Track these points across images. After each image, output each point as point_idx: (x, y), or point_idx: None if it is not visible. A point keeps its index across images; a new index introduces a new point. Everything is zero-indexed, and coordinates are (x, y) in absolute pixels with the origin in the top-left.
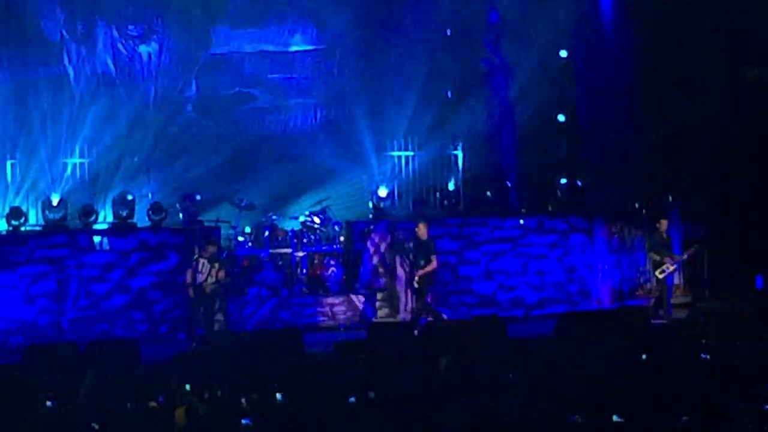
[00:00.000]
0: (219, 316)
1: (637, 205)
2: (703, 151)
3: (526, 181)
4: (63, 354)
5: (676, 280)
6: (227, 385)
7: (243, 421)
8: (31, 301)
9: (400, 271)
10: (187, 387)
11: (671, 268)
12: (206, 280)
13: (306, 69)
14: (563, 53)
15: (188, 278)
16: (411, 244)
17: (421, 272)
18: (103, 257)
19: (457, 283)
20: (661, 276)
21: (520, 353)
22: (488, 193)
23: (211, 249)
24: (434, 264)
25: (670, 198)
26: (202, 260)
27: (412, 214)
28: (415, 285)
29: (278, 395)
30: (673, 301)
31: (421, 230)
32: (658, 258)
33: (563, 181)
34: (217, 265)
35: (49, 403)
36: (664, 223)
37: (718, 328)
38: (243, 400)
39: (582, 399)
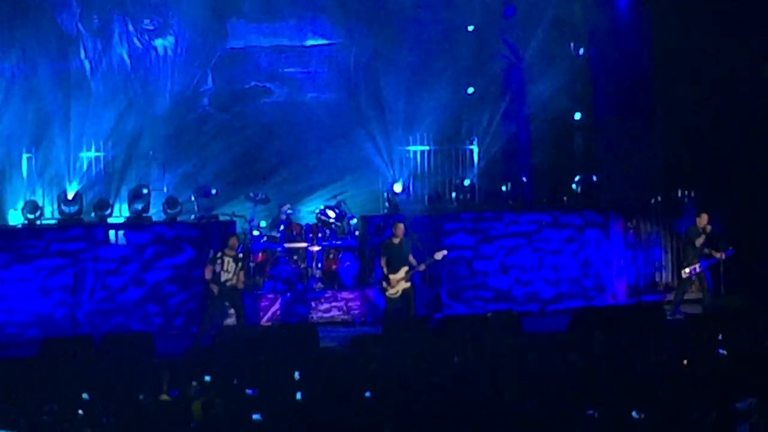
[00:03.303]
0: (232, 310)
1: (653, 200)
2: (720, 146)
3: (542, 176)
4: (78, 347)
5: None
6: (242, 379)
7: (253, 417)
8: (46, 294)
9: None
10: (207, 378)
11: (697, 269)
12: (232, 278)
13: (322, 63)
14: (580, 49)
15: (208, 275)
16: (383, 246)
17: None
18: (119, 251)
19: (473, 278)
20: (684, 275)
21: (535, 348)
22: (504, 188)
23: (233, 243)
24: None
25: (687, 193)
26: (227, 258)
27: (427, 209)
28: (399, 287)
29: (294, 389)
30: (687, 297)
31: (399, 231)
32: (708, 251)
33: (578, 176)
34: (240, 264)
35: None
36: (704, 218)
37: (734, 325)
38: (258, 395)
39: (597, 394)
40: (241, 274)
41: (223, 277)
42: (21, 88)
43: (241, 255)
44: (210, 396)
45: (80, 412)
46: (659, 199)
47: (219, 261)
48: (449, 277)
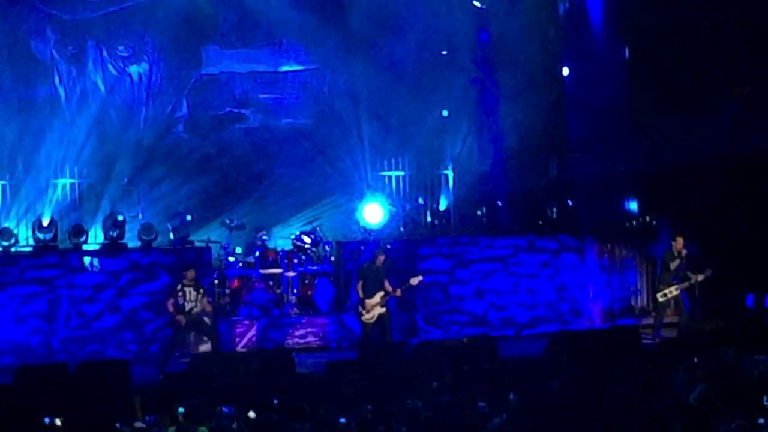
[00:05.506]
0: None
1: (628, 224)
2: (694, 169)
3: (517, 201)
4: (53, 375)
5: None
6: (218, 405)
7: None
8: (21, 321)
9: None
10: (181, 410)
11: (675, 293)
12: (196, 306)
13: (296, 89)
14: (554, 72)
15: (170, 308)
16: (362, 269)
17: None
18: (94, 278)
19: (448, 302)
20: (662, 299)
21: (511, 372)
22: (479, 213)
23: (191, 274)
24: (388, 288)
25: (661, 217)
26: (187, 289)
27: (403, 234)
28: (374, 312)
29: (270, 415)
30: (664, 321)
31: (380, 258)
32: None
33: (554, 200)
34: (202, 291)
35: None
36: (680, 242)
37: (709, 348)
38: (234, 423)
39: (574, 418)
40: (204, 299)
41: (188, 306)
42: None
43: (200, 282)
44: (185, 425)
45: None
46: (634, 223)
47: (180, 293)
48: (425, 302)
